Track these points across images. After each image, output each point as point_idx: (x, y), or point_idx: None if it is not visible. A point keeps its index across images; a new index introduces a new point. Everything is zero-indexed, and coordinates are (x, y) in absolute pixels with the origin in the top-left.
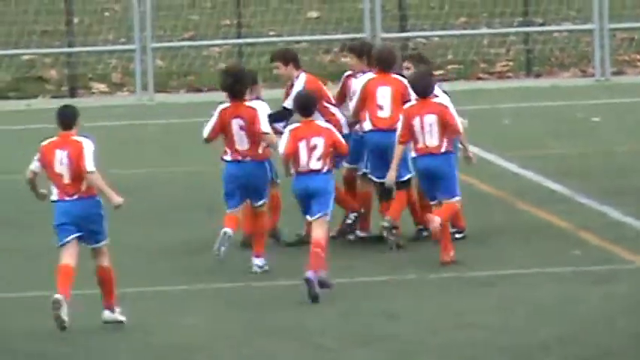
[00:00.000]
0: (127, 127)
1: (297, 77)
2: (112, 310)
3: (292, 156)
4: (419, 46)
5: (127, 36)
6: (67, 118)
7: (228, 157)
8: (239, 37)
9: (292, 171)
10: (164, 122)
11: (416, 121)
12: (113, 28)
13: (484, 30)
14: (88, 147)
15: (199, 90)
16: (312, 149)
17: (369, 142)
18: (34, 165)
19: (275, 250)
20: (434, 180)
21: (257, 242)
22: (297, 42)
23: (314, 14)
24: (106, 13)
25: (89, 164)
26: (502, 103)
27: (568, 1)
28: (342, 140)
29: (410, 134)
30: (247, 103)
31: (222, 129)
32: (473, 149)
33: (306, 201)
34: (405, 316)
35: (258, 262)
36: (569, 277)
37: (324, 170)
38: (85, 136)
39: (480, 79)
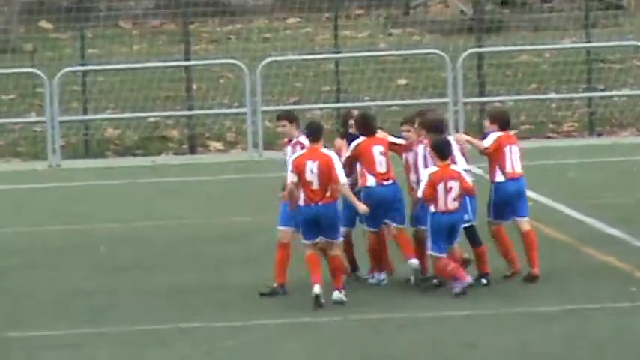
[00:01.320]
0: (239, 181)
1: (298, 137)
2: (340, 291)
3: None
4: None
5: (240, 100)
6: (316, 133)
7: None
8: (338, 101)
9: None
10: (272, 176)
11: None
12: (227, 93)
13: (553, 95)
14: (337, 160)
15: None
16: (448, 191)
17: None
18: (291, 176)
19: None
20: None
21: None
22: (389, 106)
23: (403, 81)
24: (221, 80)
25: (341, 176)
26: (568, 158)
27: (626, 69)
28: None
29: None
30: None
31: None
32: (542, 199)
33: (448, 235)
34: (481, 345)
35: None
36: (627, 312)
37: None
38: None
39: (548, 137)
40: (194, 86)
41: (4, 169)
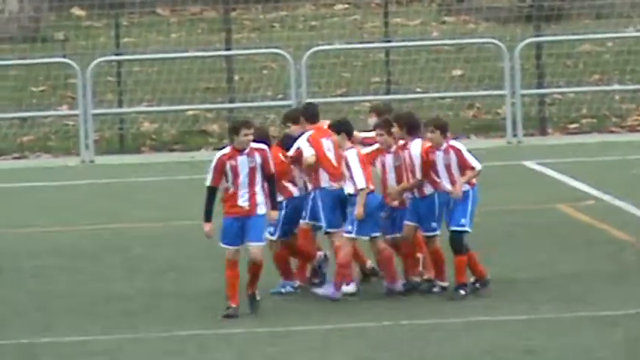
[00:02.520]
0: None
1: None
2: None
3: None
4: (555, 101)
5: (284, 92)
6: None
7: None
8: (388, 93)
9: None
10: None
11: None
12: (271, 84)
13: (616, 86)
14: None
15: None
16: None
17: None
18: (310, 151)
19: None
20: None
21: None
22: (442, 98)
23: (458, 72)
24: (264, 71)
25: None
26: (632, 154)
27: None
28: None
29: None
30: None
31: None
32: (605, 197)
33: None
34: (540, 351)
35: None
36: None
37: None
38: None
39: (611, 132)
40: (235, 77)
41: (34, 165)
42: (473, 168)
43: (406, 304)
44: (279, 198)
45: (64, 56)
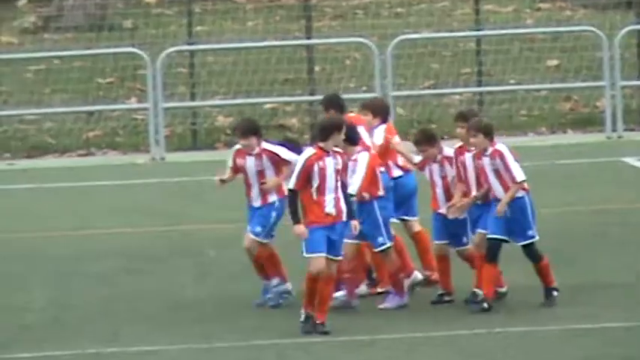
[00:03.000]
0: None
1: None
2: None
3: None
4: None
5: (368, 84)
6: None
7: None
8: (479, 85)
9: None
10: None
11: None
12: (354, 76)
13: None
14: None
15: (442, 138)
16: None
17: None
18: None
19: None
20: None
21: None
22: (537, 90)
23: (554, 62)
24: (347, 61)
25: None
26: None
27: None
28: None
29: None
30: None
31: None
32: None
33: None
34: None
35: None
36: None
37: None
38: None
39: None
40: (316, 68)
41: (101, 162)
42: (516, 181)
43: (499, 311)
44: (273, 197)
45: (133, 46)
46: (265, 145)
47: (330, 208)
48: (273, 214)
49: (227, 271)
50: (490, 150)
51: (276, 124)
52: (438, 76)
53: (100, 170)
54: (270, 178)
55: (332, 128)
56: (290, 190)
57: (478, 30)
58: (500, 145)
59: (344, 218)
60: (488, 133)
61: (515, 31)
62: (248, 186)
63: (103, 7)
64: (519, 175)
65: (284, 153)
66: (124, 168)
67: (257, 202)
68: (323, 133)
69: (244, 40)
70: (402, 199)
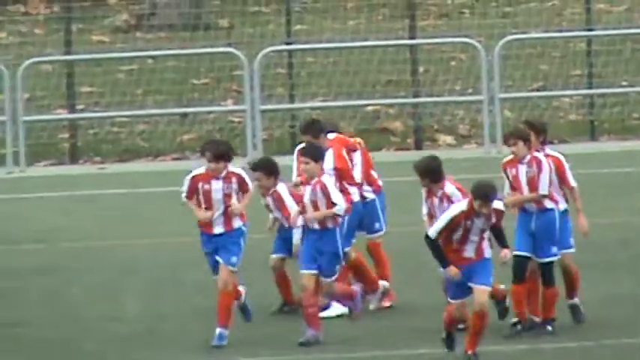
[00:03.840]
0: (474, 181)
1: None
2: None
3: None
4: None
5: (475, 86)
6: None
7: None
8: (590, 87)
9: None
10: None
11: None
12: (460, 77)
13: None
14: None
15: (550, 142)
16: None
17: None
18: None
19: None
20: None
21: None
22: None
23: None
24: (452, 63)
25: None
26: None
27: None
28: None
29: None
30: None
31: None
32: None
33: None
34: None
35: None
36: None
37: None
38: None
39: None
40: (420, 69)
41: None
42: (572, 187)
43: (610, 321)
44: (238, 222)
45: (229, 45)
46: (232, 168)
47: (469, 253)
48: (242, 241)
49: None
50: (528, 158)
51: (378, 128)
52: (547, 78)
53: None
54: (234, 202)
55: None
56: (431, 239)
57: (589, 30)
58: (552, 150)
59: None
60: (527, 140)
61: (628, 31)
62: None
63: (197, 6)
64: (544, 188)
65: (248, 179)
66: None
67: (219, 229)
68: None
69: (345, 40)
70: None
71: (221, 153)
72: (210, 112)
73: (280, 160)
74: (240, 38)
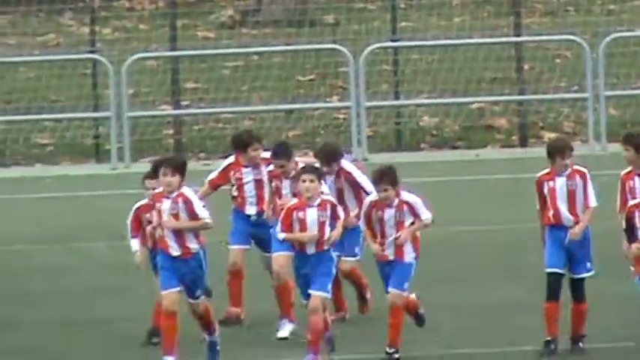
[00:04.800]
0: None
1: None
2: None
3: None
4: None
5: (580, 84)
6: None
7: None
8: None
9: None
10: (616, 173)
11: None
12: (565, 75)
13: None
14: None
15: None
16: None
17: None
18: None
19: None
20: None
21: None
22: None
23: None
24: (557, 60)
25: None
26: None
27: None
28: None
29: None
30: None
31: None
32: None
33: None
34: None
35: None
36: None
37: None
38: None
39: None
40: (525, 66)
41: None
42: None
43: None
44: (194, 245)
45: (335, 42)
46: (185, 189)
47: None
48: (204, 264)
49: (429, 276)
50: (569, 170)
51: (483, 125)
52: None
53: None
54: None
55: None
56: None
57: None
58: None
59: None
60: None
61: None
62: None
63: (303, 2)
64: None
65: (198, 205)
66: None
67: (176, 252)
68: None
69: (450, 37)
70: None
71: (176, 164)
72: (315, 109)
73: (385, 158)
74: (345, 35)
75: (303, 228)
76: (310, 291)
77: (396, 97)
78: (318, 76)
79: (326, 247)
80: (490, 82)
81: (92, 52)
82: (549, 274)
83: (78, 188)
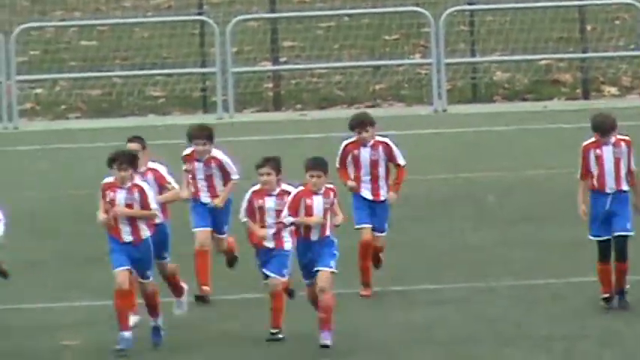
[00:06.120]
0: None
1: None
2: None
3: None
4: None
5: (637, 43)
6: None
7: None
8: None
9: None
10: None
11: None
12: (623, 35)
13: None
14: None
15: None
16: None
17: None
18: None
19: None
20: None
21: None
22: None
23: None
24: (616, 22)
25: None
26: None
27: None
28: None
29: None
30: None
31: None
32: None
33: None
34: None
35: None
36: None
37: None
38: None
39: None
40: (588, 27)
41: (387, 114)
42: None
43: None
44: (146, 232)
45: (417, 5)
46: (137, 180)
47: None
48: (152, 249)
49: (506, 216)
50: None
51: (550, 80)
52: None
53: (387, 121)
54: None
55: None
56: None
57: None
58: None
59: None
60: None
61: None
62: (115, 220)
63: None
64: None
65: (151, 196)
66: (409, 119)
67: (128, 237)
68: None
69: (521, 1)
70: None
71: (128, 159)
72: (399, 65)
73: (463, 109)
74: None
75: (309, 214)
76: (318, 268)
77: (472, 55)
78: (402, 35)
79: (328, 233)
80: (556, 41)
81: (200, 14)
82: (598, 242)
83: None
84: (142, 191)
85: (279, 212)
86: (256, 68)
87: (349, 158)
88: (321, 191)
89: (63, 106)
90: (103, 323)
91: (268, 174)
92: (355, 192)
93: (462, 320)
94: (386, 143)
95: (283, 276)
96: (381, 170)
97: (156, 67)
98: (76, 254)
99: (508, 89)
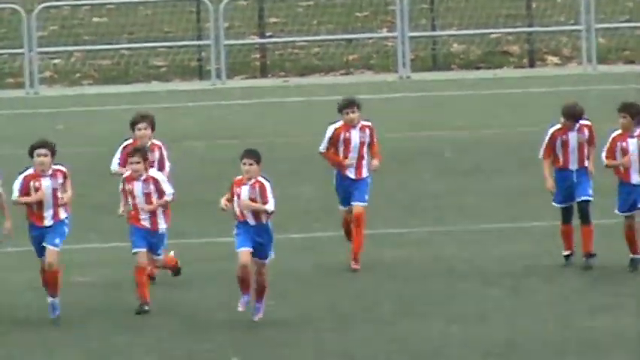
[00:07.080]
0: (575, 92)
1: None
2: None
3: None
4: None
5: (575, 18)
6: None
7: None
8: None
9: None
10: (607, 88)
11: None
12: (564, 12)
13: None
14: None
15: (632, 62)
16: None
17: None
18: None
19: None
20: None
21: None
22: None
23: None
24: (558, 0)
25: None
26: None
27: None
28: None
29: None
30: None
31: None
32: None
33: None
34: None
35: None
36: None
37: None
38: None
39: None
40: (533, 5)
41: (358, 81)
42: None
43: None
44: (64, 214)
45: None
46: (57, 165)
47: None
48: (66, 229)
49: (462, 168)
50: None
51: (500, 50)
52: (632, 12)
53: (358, 87)
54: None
55: None
56: None
57: None
58: None
59: None
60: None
61: None
62: (40, 207)
63: None
64: None
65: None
66: (377, 85)
67: (50, 222)
68: None
69: None
70: None
71: (44, 145)
72: (369, 38)
73: (424, 76)
74: None
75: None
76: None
77: (433, 29)
78: (371, 12)
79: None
80: (505, 17)
81: None
82: (561, 208)
83: (185, 100)
84: (62, 173)
85: (147, 195)
86: (245, 41)
87: (340, 140)
88: (251, 181)
89: (77, 75)
90: (110, 263)
91: (250, 164)
92: (342, 170)
93: (422, 259)
94: (371, 127)
95: (159, 255)
96: (365, 150)
97: (158, 40)
98: (88, 202)
99: (463, 59)
